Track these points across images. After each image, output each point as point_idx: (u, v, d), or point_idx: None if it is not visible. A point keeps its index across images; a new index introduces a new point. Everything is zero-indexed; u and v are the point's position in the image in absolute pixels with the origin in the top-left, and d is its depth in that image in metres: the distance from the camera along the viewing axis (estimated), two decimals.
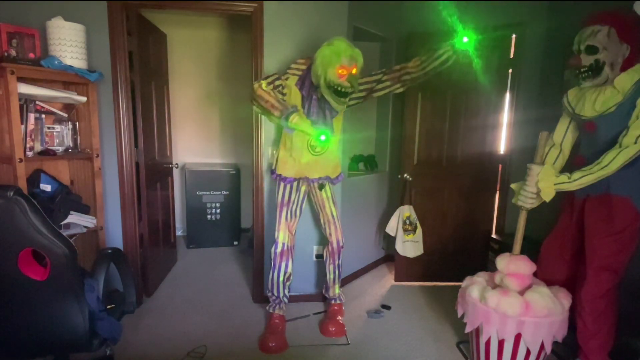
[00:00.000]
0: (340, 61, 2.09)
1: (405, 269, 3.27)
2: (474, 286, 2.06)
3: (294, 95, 2.27)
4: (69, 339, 1.69)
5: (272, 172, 2.49)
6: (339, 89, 2.14)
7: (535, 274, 2.07)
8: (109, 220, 2.64)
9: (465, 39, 2.05)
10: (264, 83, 2.16)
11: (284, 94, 2.26)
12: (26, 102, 2.14)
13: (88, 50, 2.36)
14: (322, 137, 2.14)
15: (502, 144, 3.13)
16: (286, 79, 2.27)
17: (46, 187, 2.34)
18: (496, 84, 2.99)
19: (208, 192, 4.00)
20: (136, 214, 2.74)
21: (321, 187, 2.49)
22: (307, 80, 2.25)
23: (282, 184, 2.42)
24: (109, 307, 1.86)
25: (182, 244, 4.11)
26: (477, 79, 2.76)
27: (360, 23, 2.92)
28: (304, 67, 2.27)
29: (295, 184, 2.42)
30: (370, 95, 2.38)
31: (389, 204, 3.61)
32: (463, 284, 2.17)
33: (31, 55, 2.21)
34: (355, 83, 2.16)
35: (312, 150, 2.35)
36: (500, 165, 3.13)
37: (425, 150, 3.14)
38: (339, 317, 2.59)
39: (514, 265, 2.00)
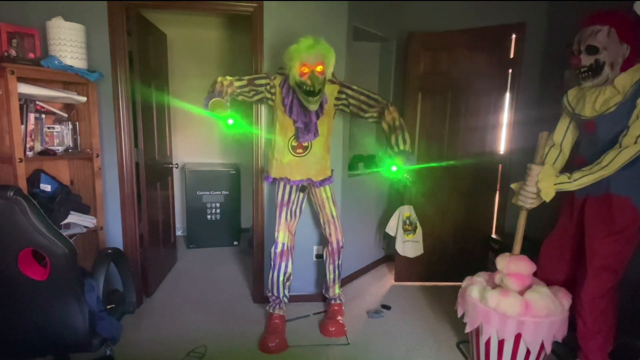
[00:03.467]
0: (302, 58, 2.05)
1: (405, 269, 3.27)
2: (474, 286, 2.06)
3: (279, 95, 2.28)
4: (69, 339, 1.69)
5: None
6: (304, 87, 2.11)
7: (535, 274, 2.07)
8: (109, 220, 2.64)
9: (394, 168, 2.15)
10: (234, 81, 2.19)
11: (272, 93, 2.28)
12: (26, 102, 2.14)
13: (88, 50, 2.37)
14: (230, 121, 2.03)
15: (502, 144, 3.12)
16: (274, 79, 2.29)
17: (46, 187, 2.34)
18: (496, 83, 2.99)
19: (208, 192, 3.99)
20: (136, 214, 2.74)
21: (303, 189, 2.46)
22: (289, 79, 2.24)
23: (281, 184, 2.42)
24: (109, 307, 1.86)
25: (182, 244, 4.11)
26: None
27: (360, 23, 2.91)
28: None
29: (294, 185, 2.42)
30: (357, 115, 2.35)
31: (389, 204, 3.61)
32: (463, 284, 2.17)
33: (31, 55, 2.21)
34: (316, 82, 2.07)
35: (292, 150, 2.35)
36: (500, 165, 3.13)
37: (425, 150, 3.14)
38: (339, 317, 2.59)
39: (514, 265, 2.00)
